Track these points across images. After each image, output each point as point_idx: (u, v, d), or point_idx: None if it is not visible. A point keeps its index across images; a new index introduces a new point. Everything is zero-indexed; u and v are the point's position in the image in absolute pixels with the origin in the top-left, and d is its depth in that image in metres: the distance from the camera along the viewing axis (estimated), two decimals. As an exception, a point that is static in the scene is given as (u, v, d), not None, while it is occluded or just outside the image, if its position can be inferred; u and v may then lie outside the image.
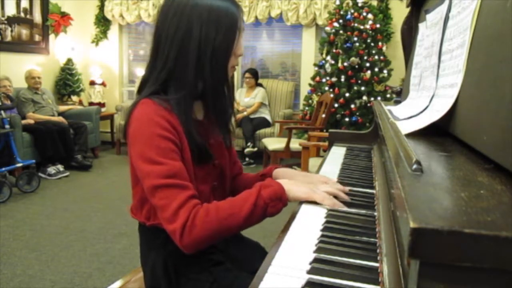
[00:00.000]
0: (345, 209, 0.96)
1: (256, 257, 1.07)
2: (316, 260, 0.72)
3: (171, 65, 0.99)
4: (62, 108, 5.13)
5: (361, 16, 4.51)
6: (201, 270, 1.06)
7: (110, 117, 5.79)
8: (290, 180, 1.02)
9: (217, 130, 1.11)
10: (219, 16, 0.96)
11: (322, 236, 0.82)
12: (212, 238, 0.91)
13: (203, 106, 1.09)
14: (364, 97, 4.43)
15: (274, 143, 4.23)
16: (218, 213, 0.90)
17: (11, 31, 5.05)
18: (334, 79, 4.50)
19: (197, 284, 1.04)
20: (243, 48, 1.04)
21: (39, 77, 4.76)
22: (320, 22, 5.16)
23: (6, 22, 4.97)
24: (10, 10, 5.02)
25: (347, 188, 1.06)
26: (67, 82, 5.63)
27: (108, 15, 5.89)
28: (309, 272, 0.68)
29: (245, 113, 5.07)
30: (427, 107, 0.97)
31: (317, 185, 1.04)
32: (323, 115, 4.08)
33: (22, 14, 5.17)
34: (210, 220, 0.89)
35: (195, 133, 1.00)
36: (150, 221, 1.04)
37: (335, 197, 1.00)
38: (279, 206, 0.95)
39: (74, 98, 5.75)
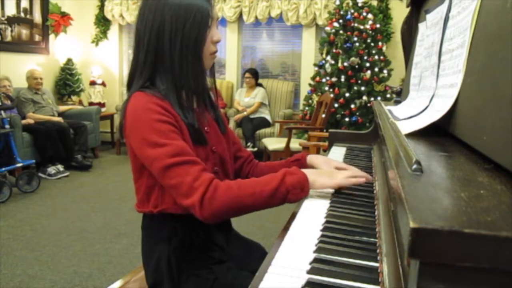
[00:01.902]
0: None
1: (257, 258, 1.09)
2: (316, 260, 0.72)
3: (152, 58, 1.04)
4: (62, 108, 5.13)
5: (361, 16, 4.51)
6: (203, 268, 1.07)
7: (110, 117, 5.79)
8: (313, 170, 1.07)
9: (210, 117, 1.16)
10: (188, 9, 1.02)
11: (322, 236, 0.82)
12: (232, 212, 0.96)
13: (194, 95, 1.12)
14: (364, 97, 4.43)
15: (274, 143, 4.23)
16: (240, 189, 0.95)
17: (11, 31, 5.05)
18: (334, 79, 4.50)
19: (199, 281, 1.05)
20: (219, 34, 1.10)
21: (41, 78, 4.77)
22: (320, 22, 5.16)
23: (6, 22, 4.97)
24: (10, 10, 5.02)
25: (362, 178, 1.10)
26: (67, 82, 5.63)
27: (108, 15, 5.89)
28: (309, 272, 0.68)
29: (245, 113, 5.07)
30: (427, 107, 0.97)
31: (334, 172, 1.09)
32: (323, 115, 4.08)
33: (22, 14, 5.17)
34: (232, 195, 0.93)
35: (188, 115, 1.05)
36: (158, 208, 1.06)
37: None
38: (301, 195, 0.99)
39: (74, 98, 5.75)
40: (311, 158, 1.24)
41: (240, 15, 5.45)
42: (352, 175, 1.05)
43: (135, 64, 1.08)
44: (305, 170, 1.02)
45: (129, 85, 1.09)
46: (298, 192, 0.97)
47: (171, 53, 1.03)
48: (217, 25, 1.10)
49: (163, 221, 1.04)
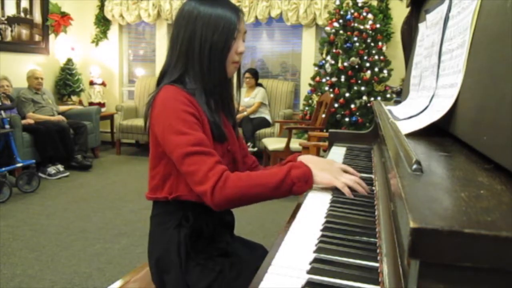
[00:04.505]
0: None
1: (259, 256, 1.12)
2: (316, 260, 0.72)
3: (183, 60, 1.15)
4: (62, 108, 5.13)
5: (361, 16, 4.51)
6: (209, 258, 1.13)
7: (110, 117, 5.79)
8: (317, 166, 1.09)
9: (227, 121, 1.26)
10: (217, 20, 1.13)
11: (322, 236, 0.82)
12: (240, 200, 1.03)
13: (214, 100, 1.19)
14: (364, 97, 4.43)
15: (274, 143, 4.23)
16: (249, 180, 1.02)
17: (11, 31, 5.05)
18: (334, 79, 4.50)
19: (204, 271, 1.10)
20: (244, 47, 1.18)
21: (42, 78, 4.77)
22: (320, 22, 5.16)
23: (6, 22, 4.97)
24: (10, 10, 5.02)
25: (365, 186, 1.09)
26: (67, 82, 5.63)
27: (108, 15, 5.89)
28: (309, 272, 0.68)
29: (245, 113, 5.07)
30: (427, 107, 0.97)
31: (340, 173, 1.10)
32: (323, 115, 4.08)
33: (22, 14, 5.17)
34: (241, 185, 1.01)
35: (212, 111, 1.15)
36: (172, 194, 1.13)
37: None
38: (305, 187, 1.04)
39: (74, 98, 5.75)
40: (301, 160, 1.25)
41: (240, 15, 5.45)
42: (357, 182, 1.06)
43: (167, 64, 1.18)
44: (309, 164, 1.06)
45: (159, 82, 1.18)
46: (303, 184, 1.03)
47: (200, 57, 1.13)
48: (243, 38, 1.18)
49: (175, 209, 1.11)
